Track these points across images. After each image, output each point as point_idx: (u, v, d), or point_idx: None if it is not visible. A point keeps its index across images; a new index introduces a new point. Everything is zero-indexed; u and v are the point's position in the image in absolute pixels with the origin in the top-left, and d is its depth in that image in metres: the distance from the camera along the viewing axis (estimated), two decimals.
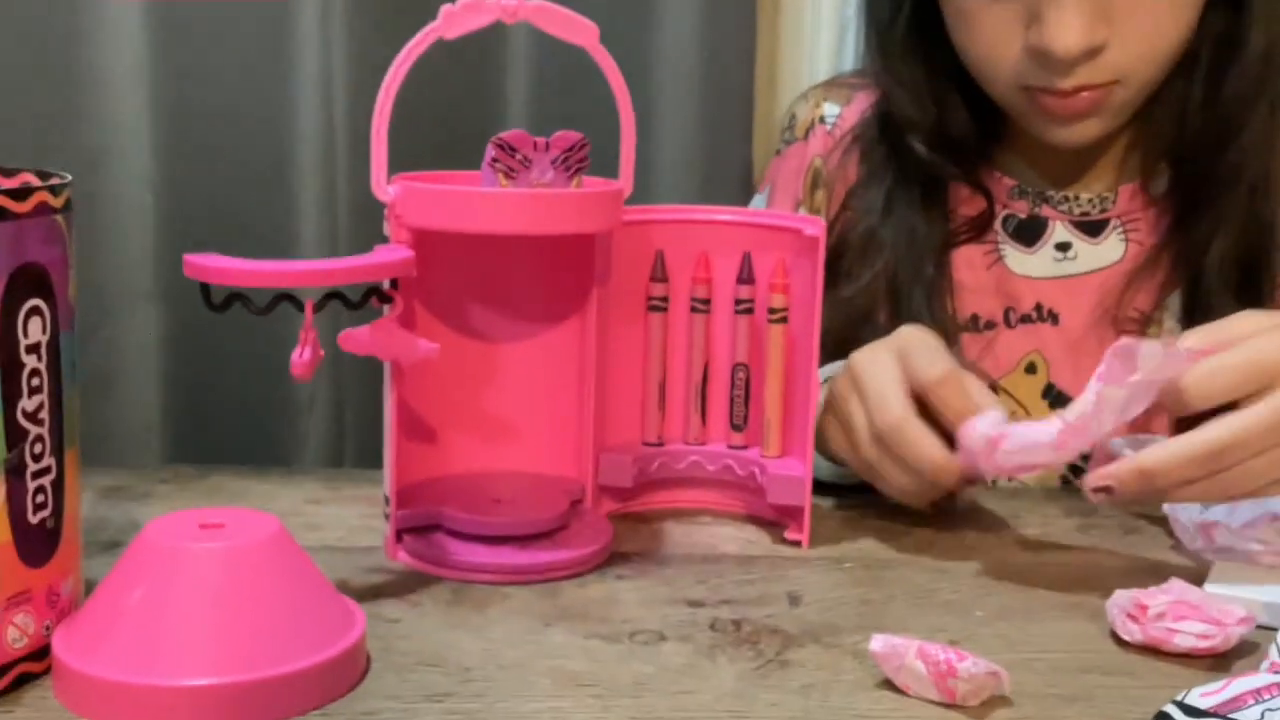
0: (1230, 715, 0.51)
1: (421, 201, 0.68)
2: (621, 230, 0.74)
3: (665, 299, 0.78)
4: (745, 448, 0.79)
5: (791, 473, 0.75)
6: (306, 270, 0.64)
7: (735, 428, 0.79)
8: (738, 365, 0.79)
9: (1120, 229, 0.92)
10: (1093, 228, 0.92)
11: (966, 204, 0.93)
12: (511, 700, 0.56)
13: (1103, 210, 0.92)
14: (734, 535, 0.78)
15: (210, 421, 1.28)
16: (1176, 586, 0.64)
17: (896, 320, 0.85)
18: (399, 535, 0.72)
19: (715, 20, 1.21)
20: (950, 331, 0.89)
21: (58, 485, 0.57)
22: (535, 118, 1.22)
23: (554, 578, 0.70)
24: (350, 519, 0.78)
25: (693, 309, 0.79)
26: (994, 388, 0.91)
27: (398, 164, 0.70)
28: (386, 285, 0.68)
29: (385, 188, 0.68)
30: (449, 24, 0.67)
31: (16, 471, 0.54)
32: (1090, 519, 0.82)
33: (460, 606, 0.66)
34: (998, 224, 0.93)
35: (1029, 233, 0.93)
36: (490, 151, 0.69)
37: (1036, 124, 0.87)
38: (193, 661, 0.53)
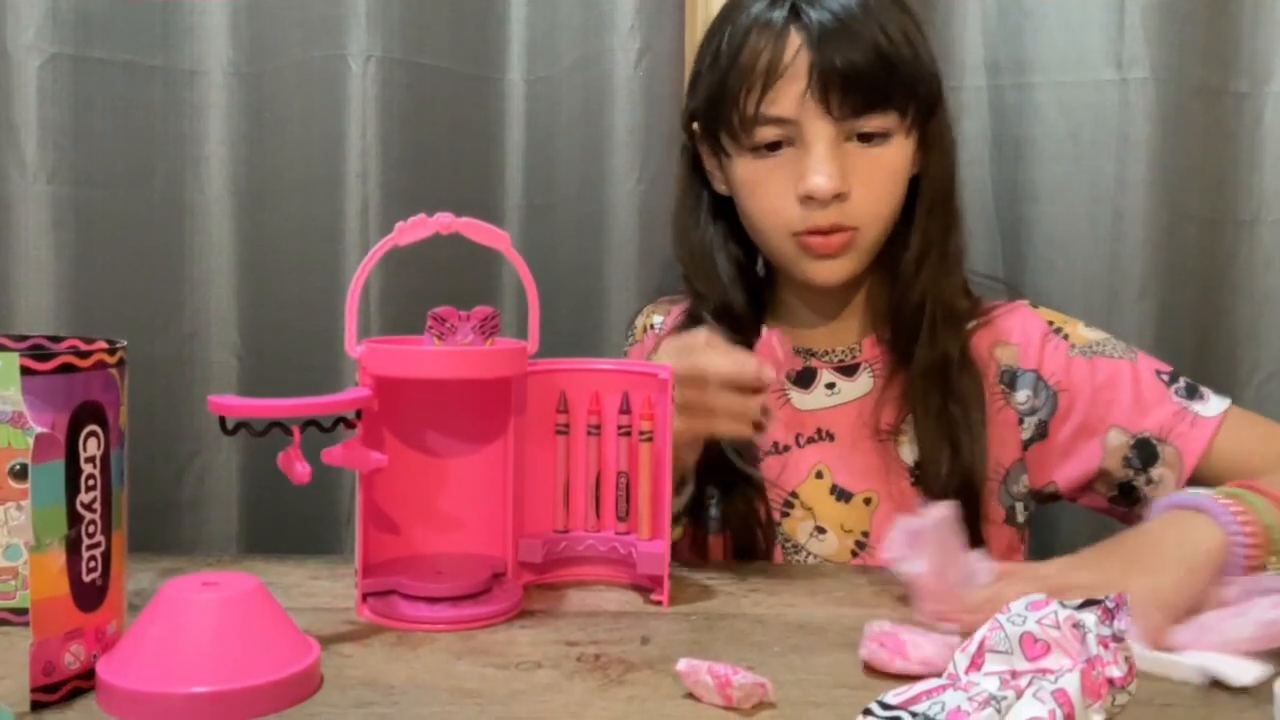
0: (910, 708, 0.58)
1: (380, 357, 0.78)
2: (534, 376, 0.84)
3: (567, 425, 0.86)
4: (627, 533, 0.85)
5: (656, 550, 0.82)
6: (291, 405, 0.72)
7: (620, 518, 0.86)
8: (620, 473, 0.86)
9: (869, 369, 1.01)
10: (848, 370, 1.02)
11: None
12: (416, 707, 0.64)
13: (853, 358, 1.02)
14: (616, 598, 0.84)
15: (276, 531, 1.35)
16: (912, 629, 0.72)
17: (708, 449, 0.93)
18: (364, 598, 0.79)
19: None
20: (756, 457, 0.99)
21: (106, 555, 0.65)
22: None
23: (473, 627, 0.76)
24: (337, 589, 0.84)
25: (588, 432, 0.86)
26: (793, 494, 0.99)
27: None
28: (352, 416, 0.78)
29: (355, 347, 0.78)
30: (400, 235, 0.78)
31: (74, 545, 0.63)
32: (886, 587, 0.87)
33: (399, 647, 0.73)
34: (781, 376, 1.00)
35: (805, 379, 1.02)
36: (428, 321, 0.79)
37: (803, 266, 0.96)
38: (192, 675, 0.62)
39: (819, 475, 0.99)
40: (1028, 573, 0.79)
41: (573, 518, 0.87)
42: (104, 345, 0.67)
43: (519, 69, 1.35)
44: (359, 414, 0.77)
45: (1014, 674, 0.60)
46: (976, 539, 0.95)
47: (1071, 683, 0.56)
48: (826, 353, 1.03)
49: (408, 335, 0.84)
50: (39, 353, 0.63)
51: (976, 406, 0.96)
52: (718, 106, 0.95)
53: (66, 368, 0.64)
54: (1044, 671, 0.59)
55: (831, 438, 1.00)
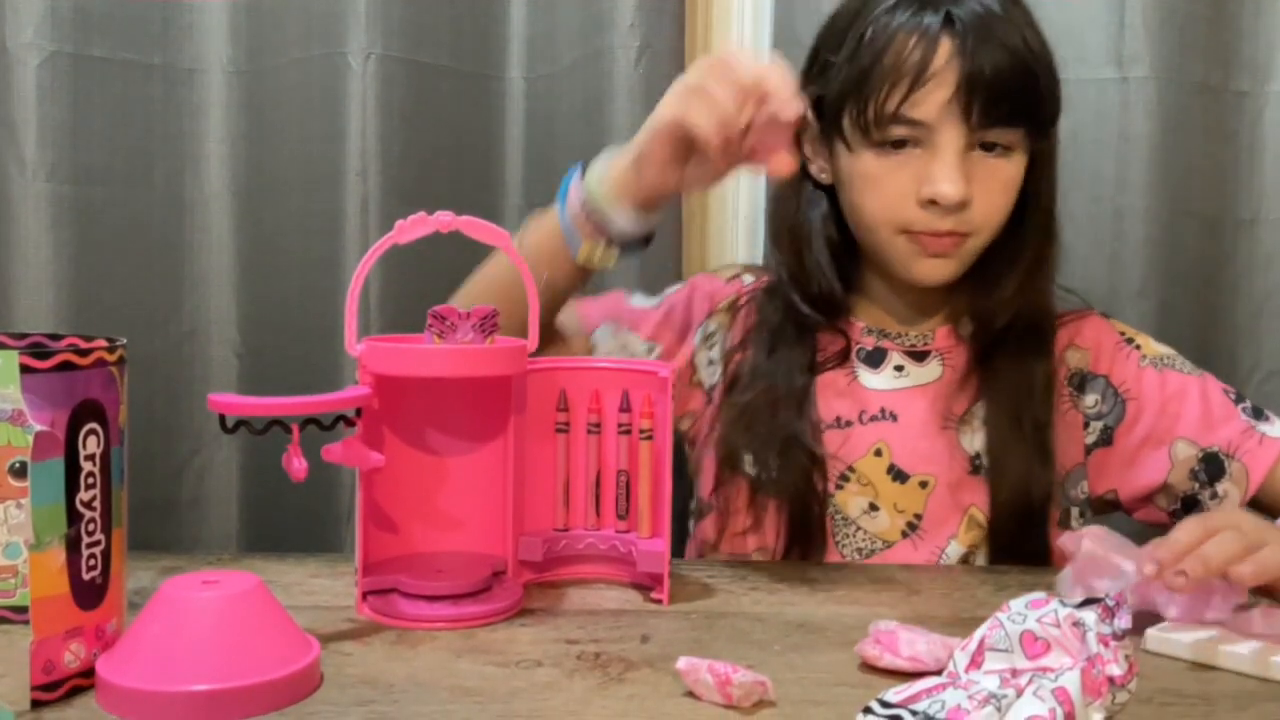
0: (910, 706, 0.59)
1: (380, 355, 0.78)
2: (534, 374, 0.84)
3: (568, 424, 0.85)
4: (627, 531, 0.85)
5: (655, 549, 0.82)
6: (291, 403, 0.72)
7: (620, 517, 0.85)
8: (620, 471, 0.85)
9: (939, 357, 1.02)
10: (918, 356, 1.03)
11: (833, 343, 1.03)
12: (416, 705, 0.63)
13: (925, 344, 1.03)
14: (616, 596, 0.84)
15: (276, 530, 1.36)
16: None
17: (775, 418, 0.97)
18: (364, 596, 0.79)
19: None
20: (819, 428, 1.00)
21: (106, 554, 0.65)
22: None
23: (473, 625, 0.76)
24: (337, 587, 0.84)
25: (588, 431, 0.85)
26: (850, 468, 1.00)
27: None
28: (352, 414, 0.77)
29: (355, 345, 0.78)
30: (400, 233, 0.77)
31: (74, 543, 0.63)
32: (887, 586, 0.88)
33: (399, 645, 0.73)
34: (854, 354, 1.03)
35: (875, 359, 1.03)
36: (428, 319, 0.79)
37: (910, 264, 0.96)
38: (192, 674, 0.61)
39: (878, 453, 1.00)
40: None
41: (573, 516, 0.87)
42: (103, 343, 0.66)
43: (519, 67, 1.35)
44: (359, 412, 0.77)
45: (1014, 672, 0.60)
46: (1044, 538, 0.97)
47: (1072, 681, 0.56)
48: (899, 335, 1.04)
49: (408, 334, 0.84)
50: (38, 351, 0.63)
51: (1051, 408, 0.98)
52: (852, 100, 0.94)
53: (66, 366, 0.63)
54: (1044, 670, 0.59)
55: (894, 418, 1.01)
